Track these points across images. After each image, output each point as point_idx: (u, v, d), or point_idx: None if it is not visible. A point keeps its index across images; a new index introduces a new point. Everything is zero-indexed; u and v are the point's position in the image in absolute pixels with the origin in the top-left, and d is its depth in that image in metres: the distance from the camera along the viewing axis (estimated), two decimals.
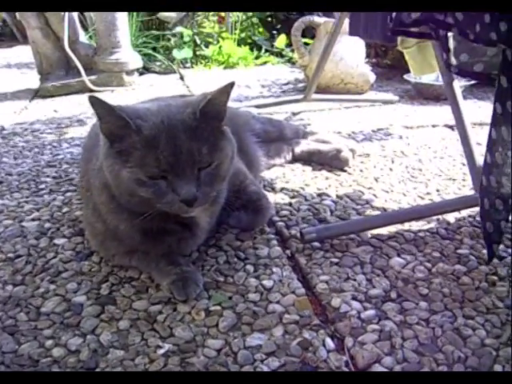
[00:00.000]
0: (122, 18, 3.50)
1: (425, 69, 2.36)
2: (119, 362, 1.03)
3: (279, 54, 4.73)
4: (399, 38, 2.34)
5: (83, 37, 3.68)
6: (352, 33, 2.59)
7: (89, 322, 1.15)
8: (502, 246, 1.42)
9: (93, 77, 3.48)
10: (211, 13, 4.96)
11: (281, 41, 4.69)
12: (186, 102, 1.22)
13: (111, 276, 1.32)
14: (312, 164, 2.04)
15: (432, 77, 3.18)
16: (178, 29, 4.41)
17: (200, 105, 1.15)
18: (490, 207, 1.23)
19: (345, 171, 1.98)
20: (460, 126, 1.55)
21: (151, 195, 1.13)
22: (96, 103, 1.09)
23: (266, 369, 1.01)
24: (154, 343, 1.09)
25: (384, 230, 1.50)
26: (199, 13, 4.83)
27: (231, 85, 1.17)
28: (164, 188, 1.13)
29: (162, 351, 1.07)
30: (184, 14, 4.57)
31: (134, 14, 4.21)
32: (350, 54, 3.22)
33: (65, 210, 1.68)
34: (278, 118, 2.34)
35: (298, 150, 2.04)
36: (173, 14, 4.49)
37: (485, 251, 1.39)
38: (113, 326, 1.14)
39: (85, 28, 3.99)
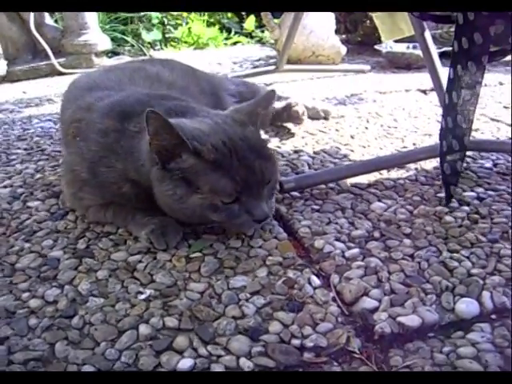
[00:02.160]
0: None
1: (395, 33, 2.35)
2: (99, 309, 1.00)
3: (249, 35, 4.70)
4: None
5: (49, 19, 3.61)
6: None
7: (66, 274, 1.12)
8: (481, 189, 1.42)
9: (61, 59, 3.42)
10: None
11: (250, 22, 4.66)
12: (233, 117, 1.21)
13: (88, 232, 1.28)
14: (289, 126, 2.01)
15: (403, 46, 3.18)
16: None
17: (255, 121, 1.19)
18: (447, 149, 1.24)
19: (321, 131, 1.96)
20: (433, 73, 1.55)
21: (224, 219, 1.12)
22: (152, 117, 1.05)
23: (251, 307, 0.99)
24: (135, 290, 1.06)
25: (363, 179, 1.48)
26: None
27: (274, 93, 1.25)
28: (237, 210, 1.12)
29: (143, 296, 1.04)
30: None
31: None
32: (319, 26, 3.21)
33: (37, 176, 1.63)
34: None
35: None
36: None
37: (466, 193, 1.39)
38: (91, 276, 1.11)
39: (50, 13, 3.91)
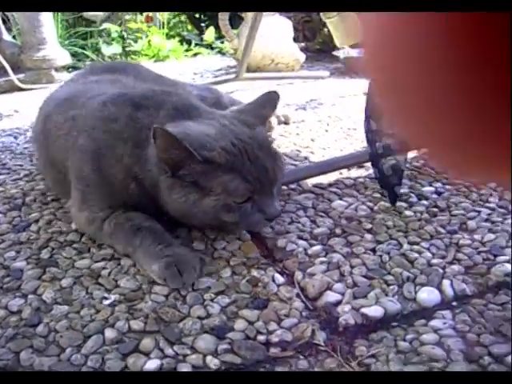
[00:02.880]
0: (46, 14, 3.41)
1: (348, 38, 2.39)
2: (64, 316, 1.00)
3: (209, 47, 4.72)
4: None
5: (7, 35, 3.57)
6: None
7: (30, 283, 1.11)
8: (439, 184, 1.45)
9: (21, 75, 3.38)
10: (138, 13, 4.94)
11: (210, 33, 4.68)
12: (240, 118, 1.21)
13: (51, 242, 1.27)
14: None
15: (360, 51, 3.23)
16: (106, 25, 4.34)
17: (263, 122, 1.23)
18: (384, 150, 1.26)
19: (282, 136, 1.98)
20: None
21: (237, 219, 1.12)
22: (160, 134, 1.04)
23: (216, 306, 1.00)
24: (100, 295, 1.05)
25: (324, 179, 1.50)
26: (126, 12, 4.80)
27: (277, 94, 1.30)
28: (249, 209, 1.11)
29: (108, 302, 1.04)
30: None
31: (59, 13, 4.12)
32: (278, 34, 3.24)
33: None
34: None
35: None
36: (99, 13, 4.42)
37: (425, 188, 1.42)
38: (55, 284, 1.10)
39: (8, 29, 3.87)
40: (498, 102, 0.21)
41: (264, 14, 2.84)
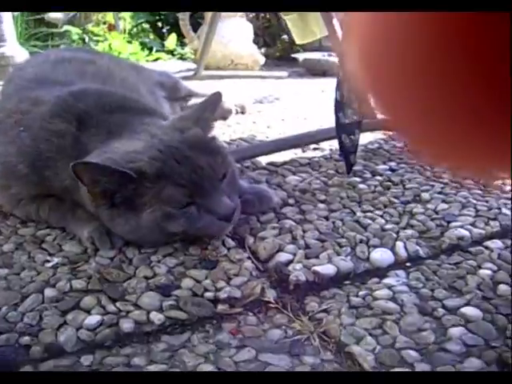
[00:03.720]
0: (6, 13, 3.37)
1: (307, 35, 2.39)
2: (2, 278, 0.95)
3: (170, 53, 4.69)
4: None
5: None
6: None
7: None
8: (393, 163, 1.44)
9: None
10: (101, 20, 4.90)
11: (171, 40, 4.65)
12: (175, 125, 1.12)
13: None
14: None
15: (319, 54, 3.25)
16: (67, 27, 4.28)
17: (204, 125, 1.12)
18: (345, 119, 1.26)
19: (238, 124, 1.96)
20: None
21: (184, 226, 1.01)
22: (83, 169, 0.96)
23: (163, 267, 0.96)
24: (42, 259, 1.01)
25: (278, 158, 1.48)
26: (88, 18, 4.76)
27: (220, 95, 1.19)
28: (195, 213, 1.00)
29: (50, 264, 1.00)
30: (72, 15, 4.46)
31: (19, 14, 4.06)
32: (237, 35, 3.26)
33: None
34: None
35: (187, 105, 2.00)
36: (60, 16, 4.36)
37: (378, 166, 1.41)
38: None
39: None
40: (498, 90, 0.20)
41: (224, 15, 2.85)
